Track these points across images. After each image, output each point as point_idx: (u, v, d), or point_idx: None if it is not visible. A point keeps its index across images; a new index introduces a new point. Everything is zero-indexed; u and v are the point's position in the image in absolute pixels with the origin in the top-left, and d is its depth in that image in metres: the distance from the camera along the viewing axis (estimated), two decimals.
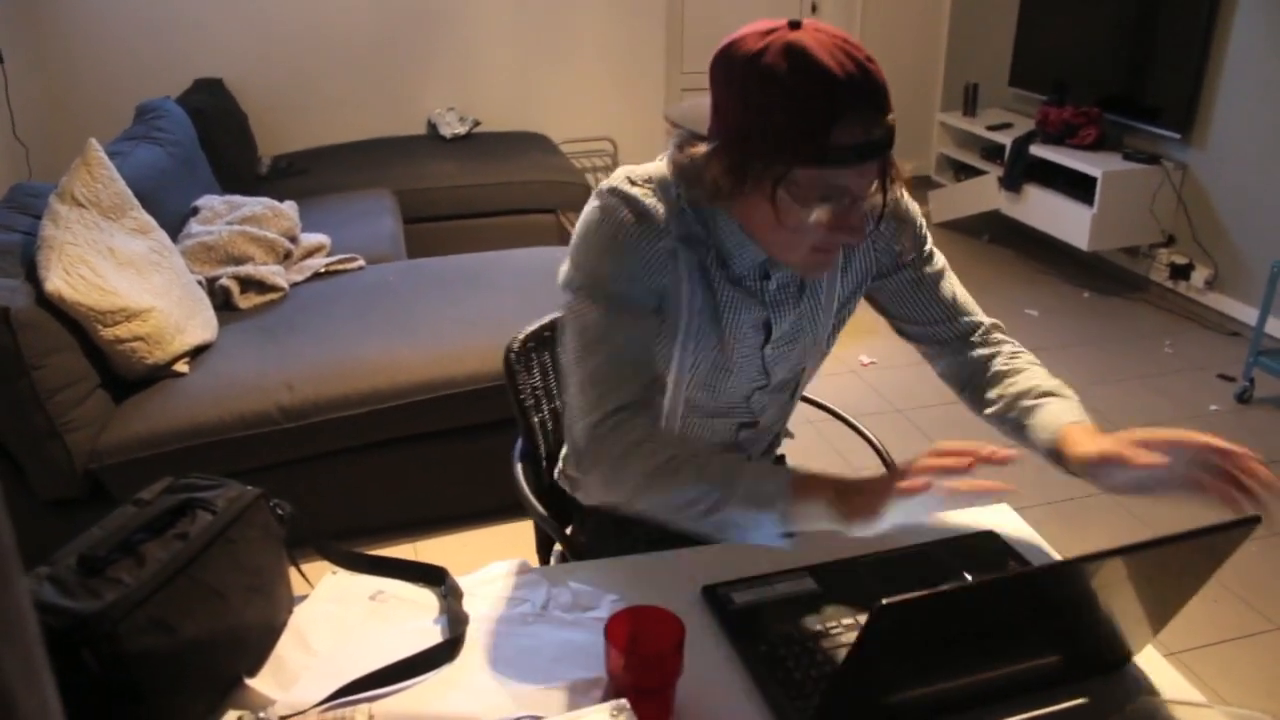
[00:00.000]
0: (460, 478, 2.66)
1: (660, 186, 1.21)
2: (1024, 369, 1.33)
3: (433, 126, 4.98)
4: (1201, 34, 3.97)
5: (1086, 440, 1.16)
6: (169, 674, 0.94)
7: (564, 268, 1.23)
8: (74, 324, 2.33)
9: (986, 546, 1.27)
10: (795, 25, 1.07)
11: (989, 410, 1.33)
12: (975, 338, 1.38)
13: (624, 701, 0.89)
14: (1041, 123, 4.58)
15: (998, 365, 1.35)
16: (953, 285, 1.39)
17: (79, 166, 2.56)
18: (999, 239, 5.05)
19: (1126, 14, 4.34)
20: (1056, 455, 1.21)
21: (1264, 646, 2.31)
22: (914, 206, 1.34)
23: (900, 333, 1.42)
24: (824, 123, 1.03)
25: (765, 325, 1.29)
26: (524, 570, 1.22)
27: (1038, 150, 4.48)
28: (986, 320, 1.40)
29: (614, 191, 1.21)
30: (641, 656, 0.96)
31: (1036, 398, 1.27)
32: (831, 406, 1.80)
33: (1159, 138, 4.25)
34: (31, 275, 2.32)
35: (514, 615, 1.14)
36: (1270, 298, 3.31)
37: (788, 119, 1.04)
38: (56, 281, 2.28)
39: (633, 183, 1.21)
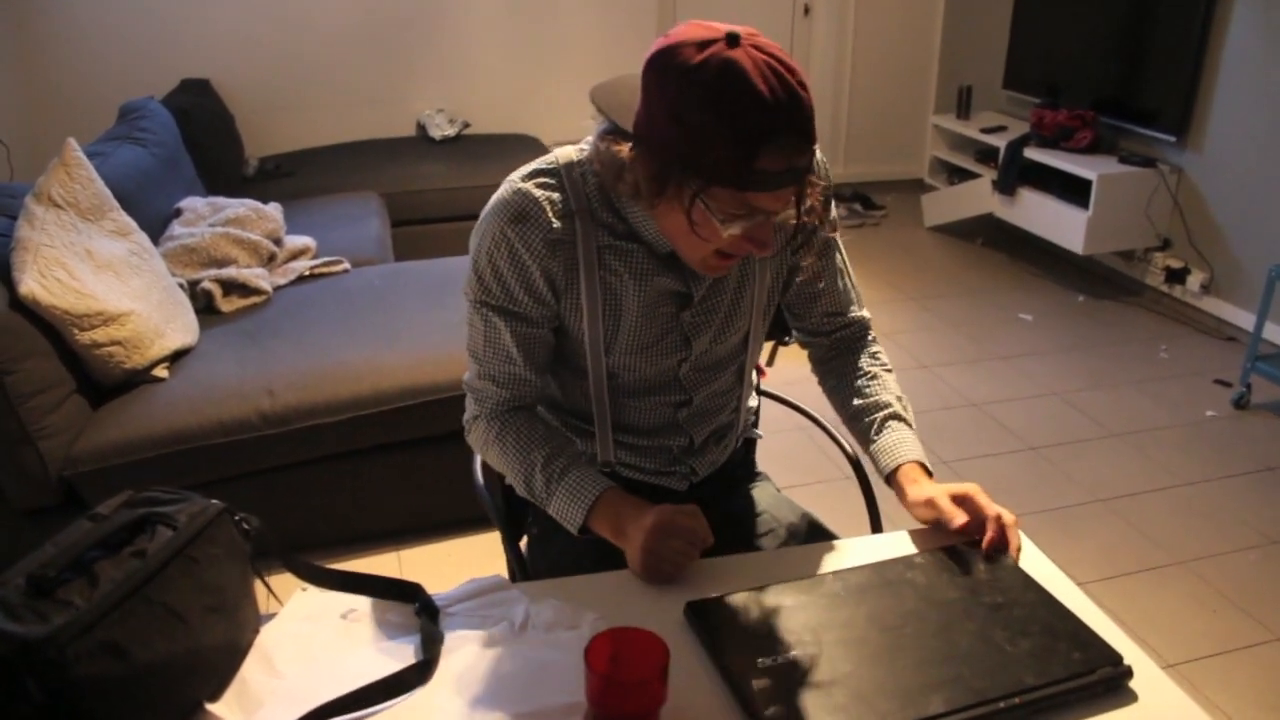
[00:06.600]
0: (446, 485, 2.61)
1: (566, 172, 1.25)
2: (880, 376, 1.46)
3: (422, 128, 4.93)
4: (1197, 36, 3.94)
5: (916, 490, 1.31)
6: (121, 702, 0.89)
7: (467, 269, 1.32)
8: (49, 328, 2.28)
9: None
10: (733, 40, 1.05)
11: (845, 412, 1.47)
12: (854, 330, 1.51)
13: None
14: (1036, 125, 4.54)
15: (862, 367, 1.47)
16: (847, 280, 1.48)
17: (56, 167, 2.50)
18: (992, 242, 5.01)
19: (1122, 16, 4.31)
20: (888, 480, 1.36)
21: (1265, 658, 2.27)
22: (821, 206, 1.31)
23: (789, 315, 1.51)
24: (750, 150, 1.04)
25: (682, 293, 1.30)
26: (502, 586, 1.17)
27: (1032, 153, 4.45)
28: (865, 315, 1.51)
29: (509, 189, 1.26)
30: (622, 683, 0.91)
31: (885, 419, 1.41)
32: (805, 408, 1.76)
33: (1154, 141, 4.22)
34: (5, 277, 2.26)
35: (491, 635, 1.09)
36: (1268, 302, 3.28)
37: (716, 142, 1.04)
38: (31, 284, 2.23)
39: (531, 175, 1.26)
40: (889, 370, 1.49)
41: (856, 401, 1.44)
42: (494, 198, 1.27)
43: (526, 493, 1.32)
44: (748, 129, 1.03)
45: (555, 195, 1.24)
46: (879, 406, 1.42)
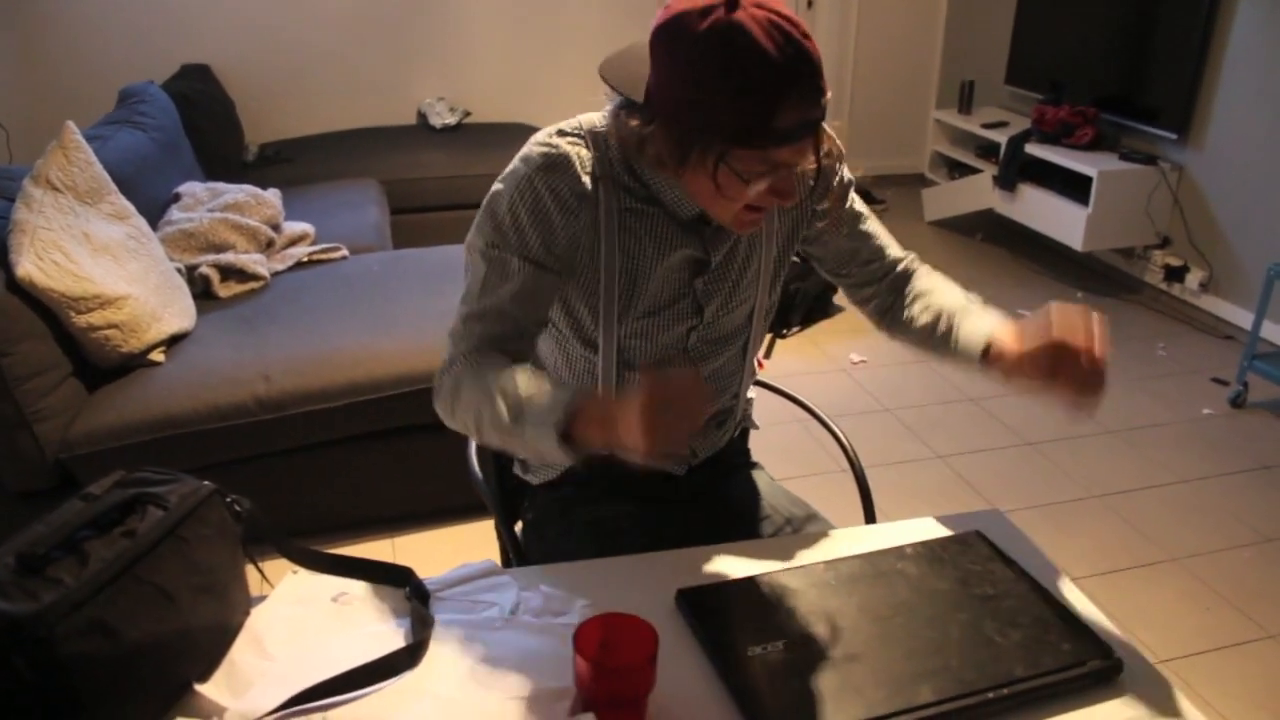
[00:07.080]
0: (440, 473, 2.61)
1: (591, 135, 1.25)
2: (930, 292, 1.44)
3: (422, 117, 4.92)
4: (1200, 34, 3.93)
5: (1017, 341, 1.27)
6: (110, 680, 0.89)
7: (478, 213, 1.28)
8: (46, 310, 2.27)
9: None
10: (733, 3, 1.05)
11: (916, 322, 1.42)
12: (900, 269, 1.48)
13: (591, 716, 0.84)
14: (1037, 121, 4.54)
15: (919, 284, 1.46)
16: (875, 225, 1.47)
17: (55, 150, 2.49)
18: (992, 238, 5.01)
19: (1125, 13, 4.30)
20: (984, 353, 1.31)
21: (1257, 655, 2.27)
22: (838, 150, 1.31)
23: (834, 277, 1.51)
24: (767, 110, 1.06)
25: (699, 260, 1.31)
26: (493, 572, 1.17)
27: (1033, 149, 4.44)
28: (908, 255, 1.50)
29: (536, 143, 1.24)
30: (611, 669, 0.91)
31: (954, 323, 1.38)
32: (804, 401, 1.76)
33: (1156, 138, 4.21)
34: (2, 260, 2.26)
35: (481, 620, 1.09)
36: (1266, 301, 3.28)
37: (732, 107, 1.06)
38: (28, 266, 2.22)
39: (561, 133, 1.25)
40: (946, 281, 1.46)
41: (920, 323, 1.42)
42: (520, 155, 1.25)
43: (494, 425, 1.14)
44: (762, 90, 1.05)
45: (585, 153, 1.24)
46: (940, 318, 1.39)
